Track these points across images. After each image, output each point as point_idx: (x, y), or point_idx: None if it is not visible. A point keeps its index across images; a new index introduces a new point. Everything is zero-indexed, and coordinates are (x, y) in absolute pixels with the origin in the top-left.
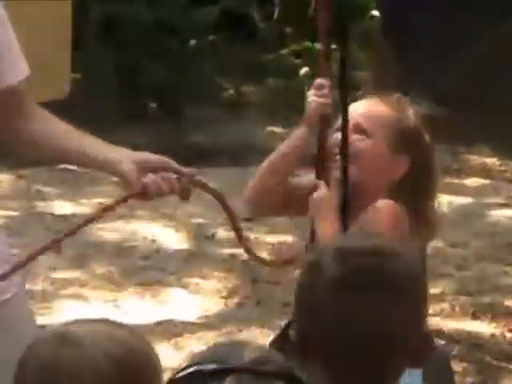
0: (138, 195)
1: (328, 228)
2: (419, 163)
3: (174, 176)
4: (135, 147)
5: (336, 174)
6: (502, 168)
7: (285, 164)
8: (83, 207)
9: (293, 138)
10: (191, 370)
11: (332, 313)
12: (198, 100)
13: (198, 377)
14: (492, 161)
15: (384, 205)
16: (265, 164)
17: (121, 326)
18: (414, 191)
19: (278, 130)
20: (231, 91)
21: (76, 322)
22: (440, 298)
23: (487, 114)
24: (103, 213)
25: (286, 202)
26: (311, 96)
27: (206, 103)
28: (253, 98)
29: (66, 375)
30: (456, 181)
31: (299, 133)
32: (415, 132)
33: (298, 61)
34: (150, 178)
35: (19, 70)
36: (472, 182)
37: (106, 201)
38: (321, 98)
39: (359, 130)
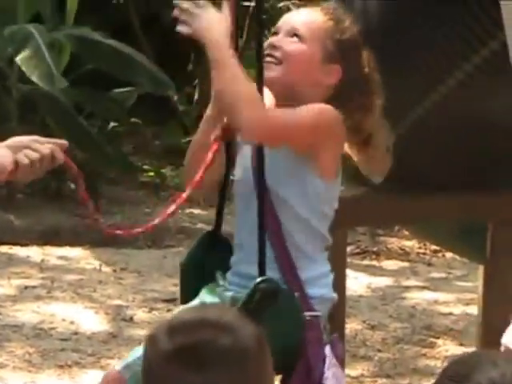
0: (12, 170)
1: (223, 49)
2: (354, 75)
3: (45, 148)
4: (51, 227)
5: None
6: (421, 250)
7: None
8: (1, 288)
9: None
10: None
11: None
12: (117, 181)
13: None
14: (411, 243)
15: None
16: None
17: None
18: (349, 106)
19: (196, 211)
20: (151, 173)
21: None
22: (359, 380)
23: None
24: None
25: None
26: None
27: (125, 185)
28: (172, 181)
29: None
30: (375, 263)
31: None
32: (351, 43)
33: None
34: (21, 152)
35: None
36: (391, 264)
37: (24, 282)
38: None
39: (293, 33)
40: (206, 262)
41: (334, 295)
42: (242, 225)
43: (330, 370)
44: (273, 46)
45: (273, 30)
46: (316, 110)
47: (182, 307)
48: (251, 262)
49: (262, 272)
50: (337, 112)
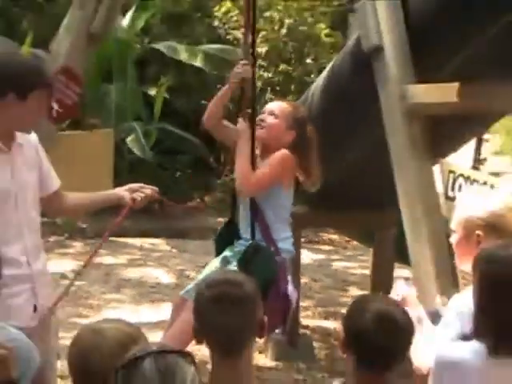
0: (131, 205)
1: (244, 150)
2: (301, 139)
3: (147, 190)
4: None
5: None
6: (340, 240)
7: (216, 106)
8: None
9: (221, 92)
10: (130, 357)
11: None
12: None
13: (132, 361)
14: (335, 236)
15: (280, 151)
16: (210, 104)
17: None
18: (300, 156)
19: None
20: None
21: None
22: (306, 308)
23: (332, 211)
24: (115, 227)
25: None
26: (235, 68)
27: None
28: None
29: None
30: (316, 246)
31: (223, 89)
32: (302, 120)
33: None
34: (135, 194)
35: (56, 180)
36: (324, 247)
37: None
38: (240, 69)
39: (272, 113)
40: (226, 236)
41: (293, 249)
42: (242, 211)
43: (290, 289)
44: (261, 120)
45: (261, 111)
46: (279, 158)
47: (214, 261)
48: (248, 233)
49: (252, 238)
50: (291, 155)
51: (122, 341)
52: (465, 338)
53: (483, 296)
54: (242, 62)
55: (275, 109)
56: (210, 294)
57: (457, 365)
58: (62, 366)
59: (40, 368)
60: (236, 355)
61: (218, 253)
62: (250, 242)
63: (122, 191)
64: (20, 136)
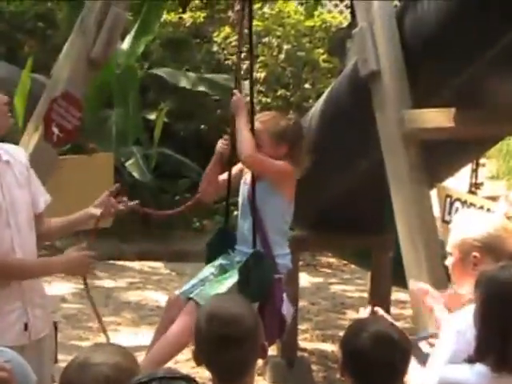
0: (106, 216)
1: (243, 122)
2: (293, 143)
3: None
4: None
5: None
6: (338, 263)
7: (210, 177)
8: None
9: (212, 162)
10: (135, 381)
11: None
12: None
13: None
14: (332, 259)
15: (284, 164)
16: (203, 178)
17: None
18: (292, 153)
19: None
20: None
21: None
22: (303, 331)
23: (329, 235)
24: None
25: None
26: (222, 141)
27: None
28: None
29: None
30: (313, 269)
31: (213, 159)
32: (284, 129)
33: None
34: (106, 207)
35: (43, 201)
36: (322, 270)
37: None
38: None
39: (256, 142)
40: (219, 243)
41: (290, 265)
42: (241, 223)
43: (285, 306)
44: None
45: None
46: (283, 165)
47: (209, 267)
48: (247, 244)
49: (254, 247)
50: (293, 170)
51: (109, 376)
52: (469, 360)
53: (488, 314)
54: (233, 95)
55: (258, 136)
56: (211, 334)
57: None
58: None
59: None
60: (238, 382)
61: (209, 259)
62: (251, 251)
63: (93, 208)
64: (7, 153)
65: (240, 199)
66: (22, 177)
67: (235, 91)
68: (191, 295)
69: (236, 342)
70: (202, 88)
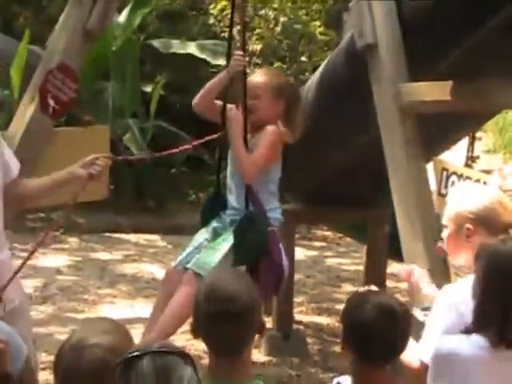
0: (89, 179)
1: (238, 138)
2: (290, 104)
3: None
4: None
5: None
6: (333, 236)
7: (212, 89)
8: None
9: (219, 77)
10: (129, 354)
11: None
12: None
13: (130, 358)
14: (328, 233)
15: (270, 127)
16: (205, 87)
17: None
18: (288, 117)
19: None
20: None
21: None
22: (299, 303)
23: (326, 208)
24: (75, 196)
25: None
26: (235, 56)
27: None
28: None
29: None
30: (308, 243)
31: (222, 75)
32: (285, 86)
33: None
34: (91, 168)
35: (16, 165)
36: (317, 243)
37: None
38: (240, 59)
39: (256, 96)
40: (212, 208)
41: (281, 218)
42: (230, 182)
43: (284, 258)
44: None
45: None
46: (271, 137)
47: (203, 231)
48: (238, 201)
49: (247, 207)
50: (279, 131)
51: (104, 358)
52: (466, 331)
53: (489, 288)
54: (238, 52)
55: (257, 88)
56: (209, 310)
57: (458, 358)
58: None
59: (27, 357)
60: (235, 357)
61: (204, 225)
62: (239, 211)
63: (77, 168)
64: None
65: (231, 151)
66: None
67: (232, 107)
68: (188, 265)
69: (234, 318)
70: (195, 52)
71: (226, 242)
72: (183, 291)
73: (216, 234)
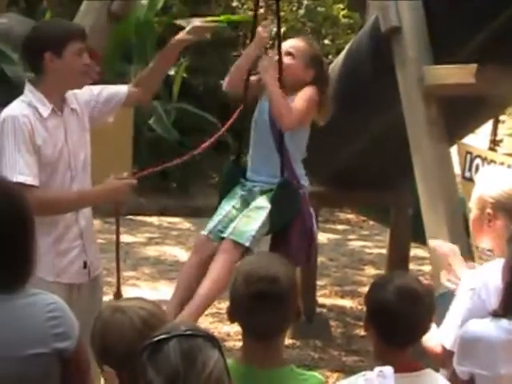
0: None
1: (274, 85)
2: (320, 77)
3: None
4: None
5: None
6: (356, 220)
7: (241, 65)
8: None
9: (245, 53)
10: (155, 336)
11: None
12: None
13: (157, 341)
14: (351, 216)
15: (309, 87)
16: (235, 63)
17: None
18: (320, 86)
19: None
20: None
21: None
22: (322, 285)
23: (350, 190)
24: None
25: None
26: (260, 30)
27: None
28: None
29: None
30: (332, 226)
31: (249, 50)
32: (318, 57)
33: None
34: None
35: (122, 89)
36: (340, 226)
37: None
38: (265, 33)
39: (289, 53)
40: (233, 176)
41: (309, 186)
42: (254, 155)
43: (314, 224)
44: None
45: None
46: (312, 92)
47: (229, 200)
48: (268, 169)
49: (282, 174)
50: (318, 93)
51: (144, 317)
52: (494, 314)
53: None
54: (263, 25)
55: (292, 49)
56: (248, 291)
57: (484, 342)
58: None
59: (80, 332)
60: (270, 341)
61: (224, 192)
62: (266, 180)
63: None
64: (75, 101)
65: (255, 114)
66: (85, 118)
67: (263, 53)
68: (224, 235)
69: (273, 301)
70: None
71: (262, 210)
72: (222, 258)
73: (245, 202)
